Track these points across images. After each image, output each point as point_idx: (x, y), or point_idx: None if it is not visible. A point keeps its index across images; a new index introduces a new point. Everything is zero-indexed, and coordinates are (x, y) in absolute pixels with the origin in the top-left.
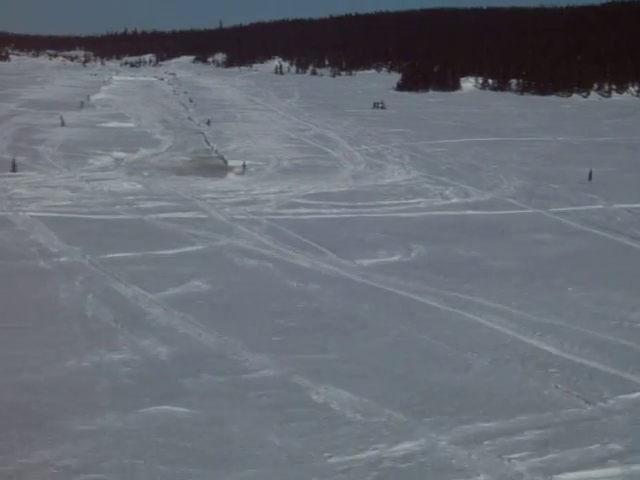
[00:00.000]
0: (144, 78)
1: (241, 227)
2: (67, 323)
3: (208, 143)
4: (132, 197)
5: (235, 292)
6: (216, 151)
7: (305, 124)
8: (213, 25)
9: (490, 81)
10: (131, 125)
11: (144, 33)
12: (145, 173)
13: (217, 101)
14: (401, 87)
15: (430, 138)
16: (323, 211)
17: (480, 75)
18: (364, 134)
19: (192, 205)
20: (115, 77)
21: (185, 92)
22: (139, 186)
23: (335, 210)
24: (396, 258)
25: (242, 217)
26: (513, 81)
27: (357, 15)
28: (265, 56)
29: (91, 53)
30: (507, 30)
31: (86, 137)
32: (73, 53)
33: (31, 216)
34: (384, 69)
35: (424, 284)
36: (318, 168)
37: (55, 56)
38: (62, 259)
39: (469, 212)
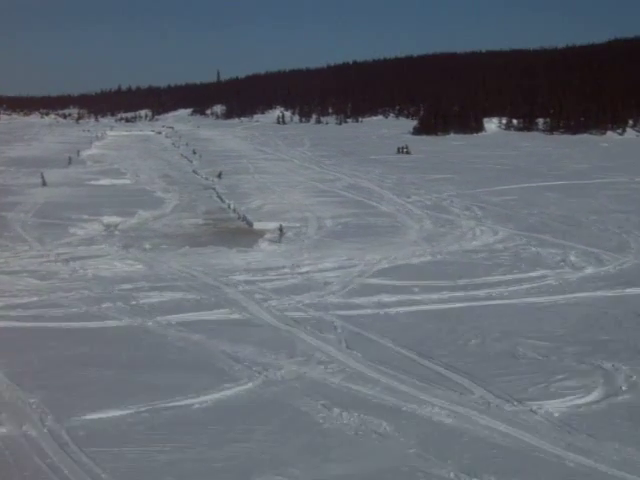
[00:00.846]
0: (140, 132)
1: (304, 336)
2: None
3: (222, 200)
4: (129, 286)
5: None
6: (235, 210)
7: (331, 173)
8: (209, 78)
9: (514, 121)
10: (127, 182)
11: (139, 89)
12: (146, 245)
13: (223, 152)
14: (418, 131)
15: (484, 184)
16: (417, 298)
17: (502, 115)
18: (405, 182)
19: (219, 296)
20: (109, 132)
21: (186, 144)
22: (139, 266)
23: (434, 296)
24: (596, 395)
25: (299, 315)
26: (540, 120)
27: (355, 63)
28: (266, 106)
29: (85, 111)
30: (515, 70)
31: (71, 198)
32: (67, 111)
33: None
34: (391, 115)
35: None
36: (374, 228)
37: (47, 114)
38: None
39: (629, 291)
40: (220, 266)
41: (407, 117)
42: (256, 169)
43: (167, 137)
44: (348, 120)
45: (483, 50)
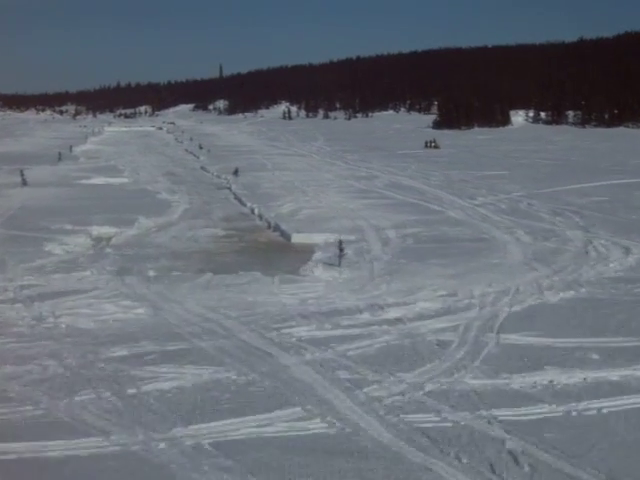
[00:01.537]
0: (140, 128)
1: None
2: None
3: (243, 203)
4: (123, 351)
5: None
6: (261, 216)
7: (361, 170)
8: (211, 74)
9: (542, 114)
10: (125, 180)
11: (138, 85)
12: (150, 271)
13: (232, 147)
14: (439, 125)
15: (550, 182)
16: (613, 378)
17: (526, 108)
18: (454, 180)
19: (277, 374)
20: (107, 128)
21: (190, 139)
22: (139, 310)
23: (628, 370)
24: None
25: (430, 423)
26: (569, 113)
27: (359, 58)
28: (270, 101)
29: (83, 107)
30: (532, 64)
31: (54, 201)
32: (64, 108)
33: None
34: (402, 109)
35: None
36: (457, 243)
37: (43, 110)
38: None
39: None
40: (263, 308)
41: (419, 112)
42: (274, 165)
43: (169, 133)
44: (357, 115)
45: (489, 45)
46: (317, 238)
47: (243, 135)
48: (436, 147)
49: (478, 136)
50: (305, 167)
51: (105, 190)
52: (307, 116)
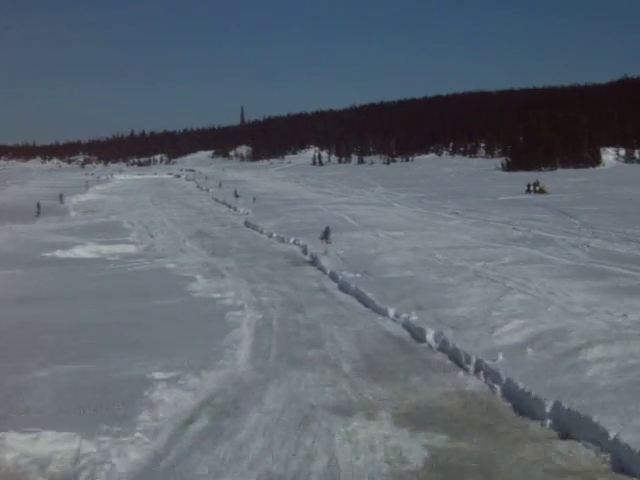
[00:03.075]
0: (155, 176)
1: None
2: None
3: (375, 307)
4: None
5: None
6: (465, 358)
7: (498, 226)
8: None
9: (637, 152)
10: (130, 249)
11: (153, 134)
12: None
13: (275, 196)
14: (511, 166)
15: None
16: None
17: (612, 146)
18: None
19: None
20: (117, 176)
21: (219, 185)
22: None
23: None
24: None
25: None
26: None
27: (382, 103)
28: (297, 146)
29: (95, 157)
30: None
31: None
32: (73, 157)
33: None
34: (445, 152)
35: None
36: None
37: (50, 159)
38: None
39: None
40: None
41: (463, 154)
42: (360, 221)
43: (188, 180)
44: (396, 159)
45: (516, 88)
46: None
47: (277, 181)
48: (542, 192)
49: (569, 178)
50: (406, 223)
51: (90, 273)
52: (340, 161)
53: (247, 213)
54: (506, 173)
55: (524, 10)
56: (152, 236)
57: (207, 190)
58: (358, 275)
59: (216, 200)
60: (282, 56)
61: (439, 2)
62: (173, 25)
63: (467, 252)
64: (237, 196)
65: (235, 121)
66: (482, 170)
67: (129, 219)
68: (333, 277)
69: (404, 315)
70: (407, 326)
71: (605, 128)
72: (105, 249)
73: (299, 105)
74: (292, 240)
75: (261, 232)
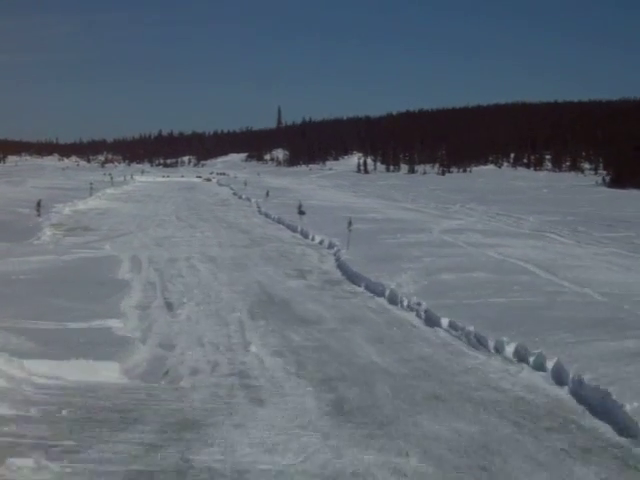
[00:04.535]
0: (181, 179)
1: None
2: None
3: None
4: None
5: None
6: None
7: None
8: (262, 123)
9: None
10: (111, 375)
11: (181, 134)
12: None
13: (349, 213)
14: (619, 181)
15: None
16: None
17: None
18: None
19: None
20: (138, 177)
21: (267, 194)
22: None
23: None
24: None
25: None
26: None
27: (422, 111)
28: (340, 151)
29: (119, 156)
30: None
31: None
32: (95, 156)
33: None
34: (505, 164)
35: None
36: None
37: (68, 157)
38: None
39: None
40: None
41: (527, 167)
42: (569, 282)
43: (221, 185)
44: (451, 170)
45: (560, 100)
46: None
47: (329, 190)
48: None
49: None
50: (589, 265)
51: None
52: (387, 169)
53: (336, 247)
54: (610, 189)
55: (580, 21)
56: (170, 308)
57: (248, 200)
58: None
59: (266, 216)
60: (320, 60)
61: (498, 9)
62: (204, 24)
63: None
64: (302, 213)
65: (269, 124)
66: (578, 186)
67: (134, 251)
68: None
69: None
70: None
71: None
72: (42, 381)
73: (337, 110)
74: (512, 352)
75: (398, 304)
